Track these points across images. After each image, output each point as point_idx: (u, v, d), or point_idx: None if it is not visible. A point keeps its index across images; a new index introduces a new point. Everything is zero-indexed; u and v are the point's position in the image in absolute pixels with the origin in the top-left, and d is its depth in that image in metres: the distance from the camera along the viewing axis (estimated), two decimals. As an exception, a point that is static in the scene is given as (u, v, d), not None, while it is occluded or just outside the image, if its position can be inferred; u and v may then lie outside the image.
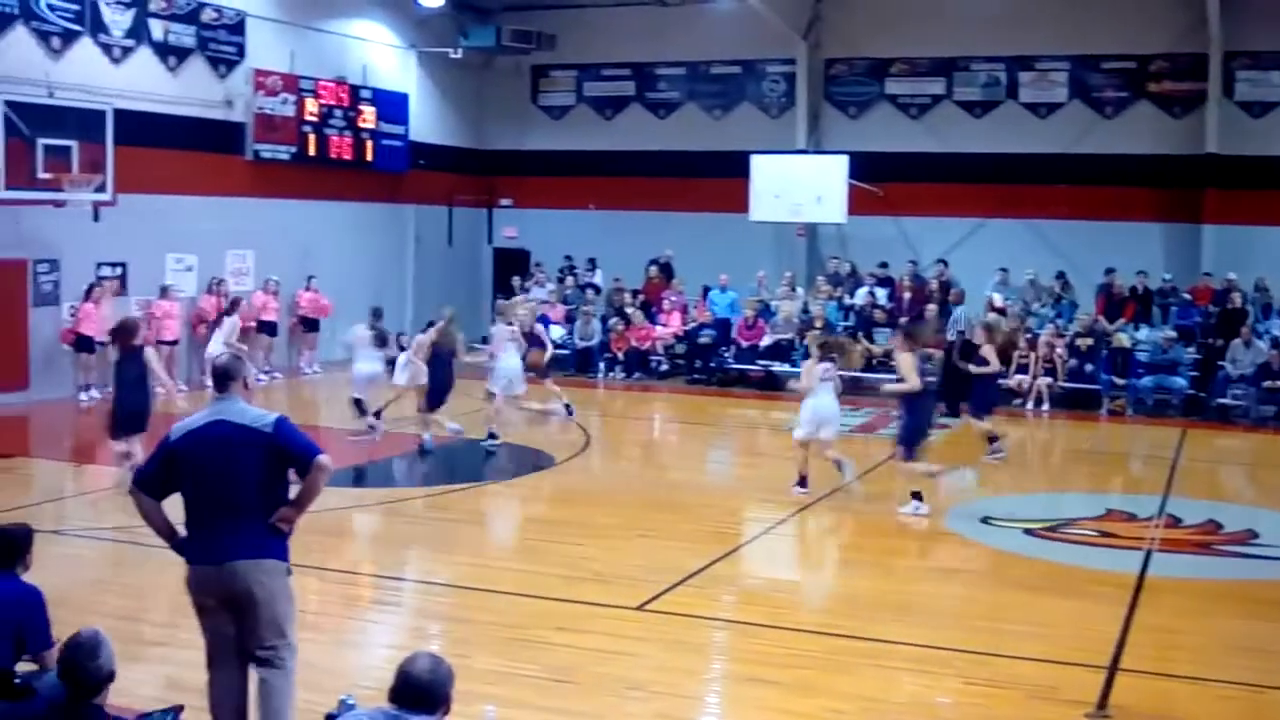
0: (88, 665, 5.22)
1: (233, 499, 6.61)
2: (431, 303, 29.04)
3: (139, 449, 13.55)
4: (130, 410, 13.81)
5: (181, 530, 6.80)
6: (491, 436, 17.29)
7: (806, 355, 16.26)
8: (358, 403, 17.95)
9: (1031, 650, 9.28)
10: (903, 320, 21.06)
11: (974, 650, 9.29)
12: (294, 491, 6.80)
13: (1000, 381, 18.38)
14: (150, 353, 14.33)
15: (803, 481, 14.64)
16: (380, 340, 18.14)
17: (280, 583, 6.70)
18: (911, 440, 13.95)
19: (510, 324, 18.12)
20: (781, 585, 11.83)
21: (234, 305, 21.77)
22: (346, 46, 26.96)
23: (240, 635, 6.68)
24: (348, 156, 26.40)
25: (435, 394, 17.18)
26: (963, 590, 11.16)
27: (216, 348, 18.91)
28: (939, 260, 25.90)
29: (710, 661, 9.47)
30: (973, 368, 16.94)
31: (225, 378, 6.88)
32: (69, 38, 20.67)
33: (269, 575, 6.64)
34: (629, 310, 25.80)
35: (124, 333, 13.96)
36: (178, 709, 6.85)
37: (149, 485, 6.77)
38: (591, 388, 23.38)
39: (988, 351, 16.84)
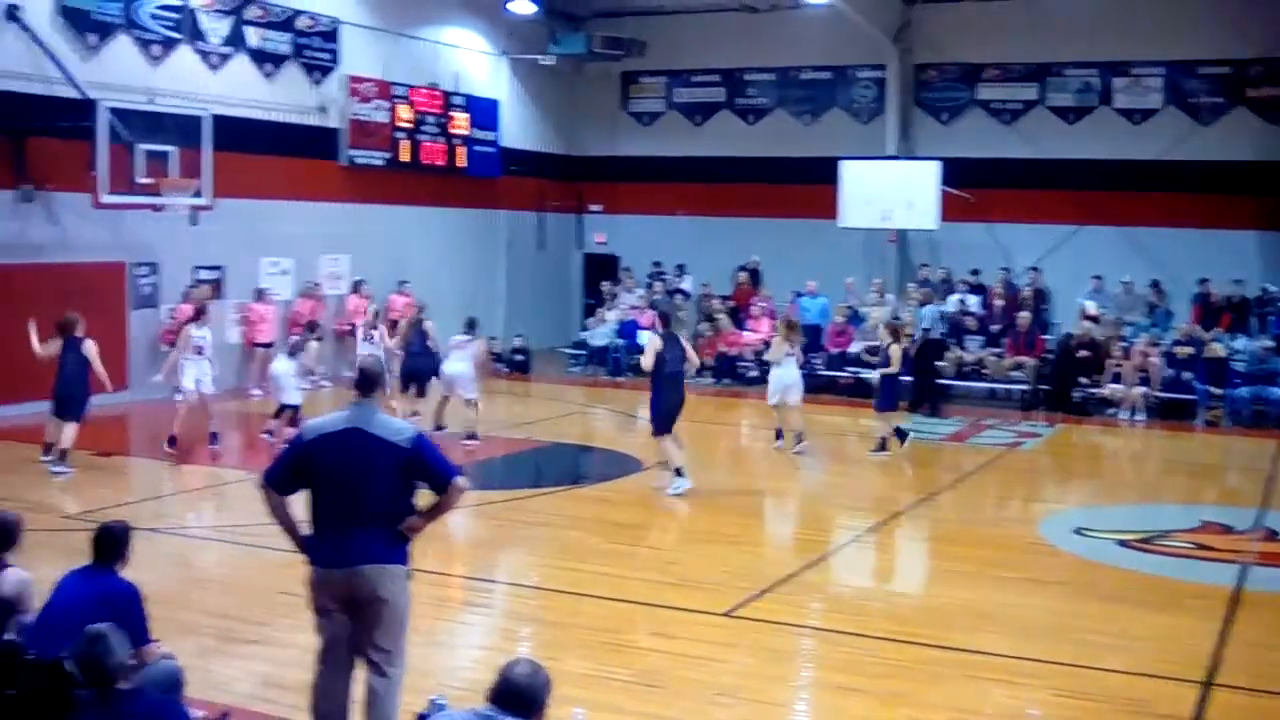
0: (105, 659, 5.30)
1: (363, 506, 6.62)
2: (521, 307, 29.38)
3: (71, 434, 14.93)
4: (65, 395, 15.12)
5: (305, 529, 6.81)
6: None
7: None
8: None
9: (1124, 663, 9.15)
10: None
11: (1065, 662, 9.20)
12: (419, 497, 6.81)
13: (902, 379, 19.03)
14: (90, 345, 15.25)
15: (779, 435, 18.14)
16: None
17: (402, 588, 6.74)
18: (660, 419, 14.93)
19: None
20: (870, 593, 11.78)
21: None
22: (439, 53, 27.24)
23: (355, 639, 6.72)
24: (440, 162, 26.67)
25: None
26: (1054, 601, 11.04)
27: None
28: (1031, 267, 25.65)
29: (798, 669, 9.45)
30: (877, 371, 18.01)
31: (368, 383, 6.87)
32: (169, 45, 21.10)
33: (393, 580, 6.68)
34: (718, 316, 25.79)
35: (66, 326, 15.28)
36: (225, 714, 6.97)
37: (278, 482, 6.77)
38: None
39: (894, 351, 17.63)
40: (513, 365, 26.18)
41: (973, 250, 26.55)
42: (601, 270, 30.11)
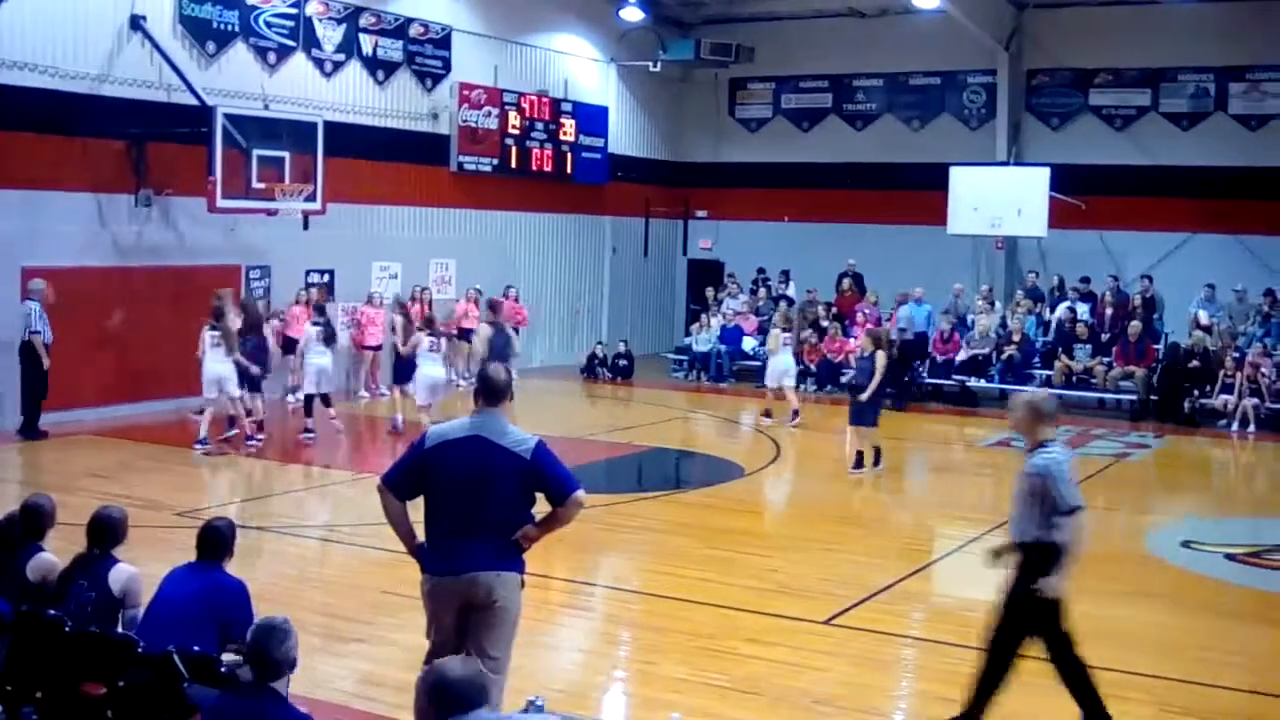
0: (274, 648, 5.40)
1: (481, 514, 6.63)
2: (626, 313, 29.52)
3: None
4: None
5: (421, 535, 6.85)
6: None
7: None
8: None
9: (1232, 680, 8.99)
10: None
11: (1172, 677, 9.07)
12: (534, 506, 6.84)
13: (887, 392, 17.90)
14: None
15: (768, 413, 20.61)
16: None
17: (516, 596, 6.77)
18: None
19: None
20: (974, 604, 11.58)
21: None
22: (548, 60, 27.46)
23: (466, 644, 6.73)
24: (548, 169, 26.88)
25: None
26: (1161, 615, 10.88)
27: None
28: (1143, 276, 25.22)
29: (899, 679, 9.41)
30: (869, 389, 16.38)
31: (494, 392, 6.85)
32: (284, 53, 21.51)
33: (508, 588, 6.71)
34: (822, 323, 25.70)
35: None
36: None
37: (397, 486, 6.79)
38: (782, 399, 23.33)
39: (880, 360, 16.42)
40: (616, 370, 26.30)
41: (1082, 258, 26.18)
42: (706, 276, 30.12)
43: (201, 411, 17.08)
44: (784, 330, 21.04)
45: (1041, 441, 7.75)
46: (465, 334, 24.06)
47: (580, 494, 6.74)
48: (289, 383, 20.57)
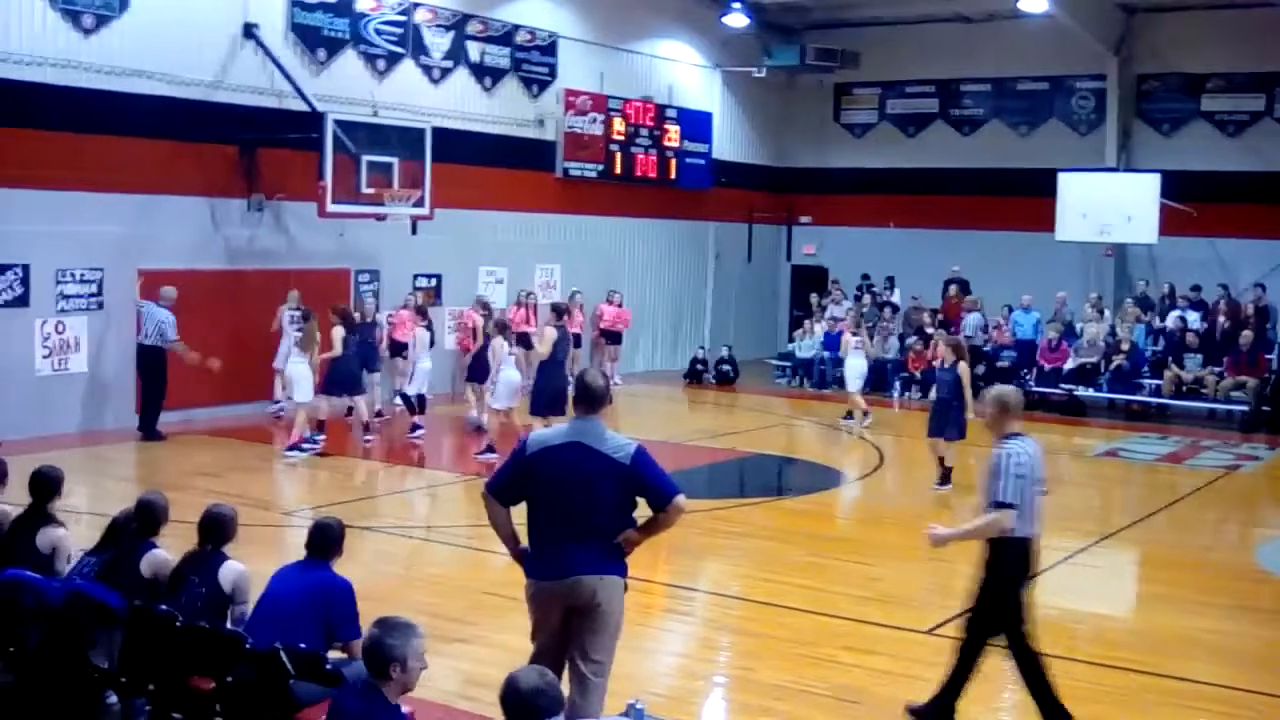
0: (385, 641, 5.46)
1: (584, 520, 6.68)
2: (729, 318, 29.51)
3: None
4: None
5: (524, 540, 6.91)
6: None
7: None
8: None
9: (1346, 698, 8.81)
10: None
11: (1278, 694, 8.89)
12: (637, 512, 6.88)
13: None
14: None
15: (849, 415, 20.88)
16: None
17: (620, 599, 6.83)
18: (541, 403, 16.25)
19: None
20: (1078, 616, 11.50)
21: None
22: (653, 66, 27.54)
23: (569, 647, 6.79)
24: (652, 174, 26.95)
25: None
26: (1270, 631, 10.65)
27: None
28: (1256, 284, 24.69)
29: (1000, 690, 9.27)
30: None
31: (592, 399, 6.86)
32: (393, 60, 21.80)
33: (612, 591, 6.76)
34: (928, 330, 25.47)
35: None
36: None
37: (501, 493, 6.88)
38: (886, 406, 23.21)
39: (964, 370, 15.73)
40: (719, 376, 26.30)
41: (1192, 265, 25.71)
42: (809, 282, 30.03)
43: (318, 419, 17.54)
44: (853, 334, 20.97)
45: (1007, 434, 7.96)
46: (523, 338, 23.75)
47: (681, 499, 6.77)
48: (395, 385, 20.83)
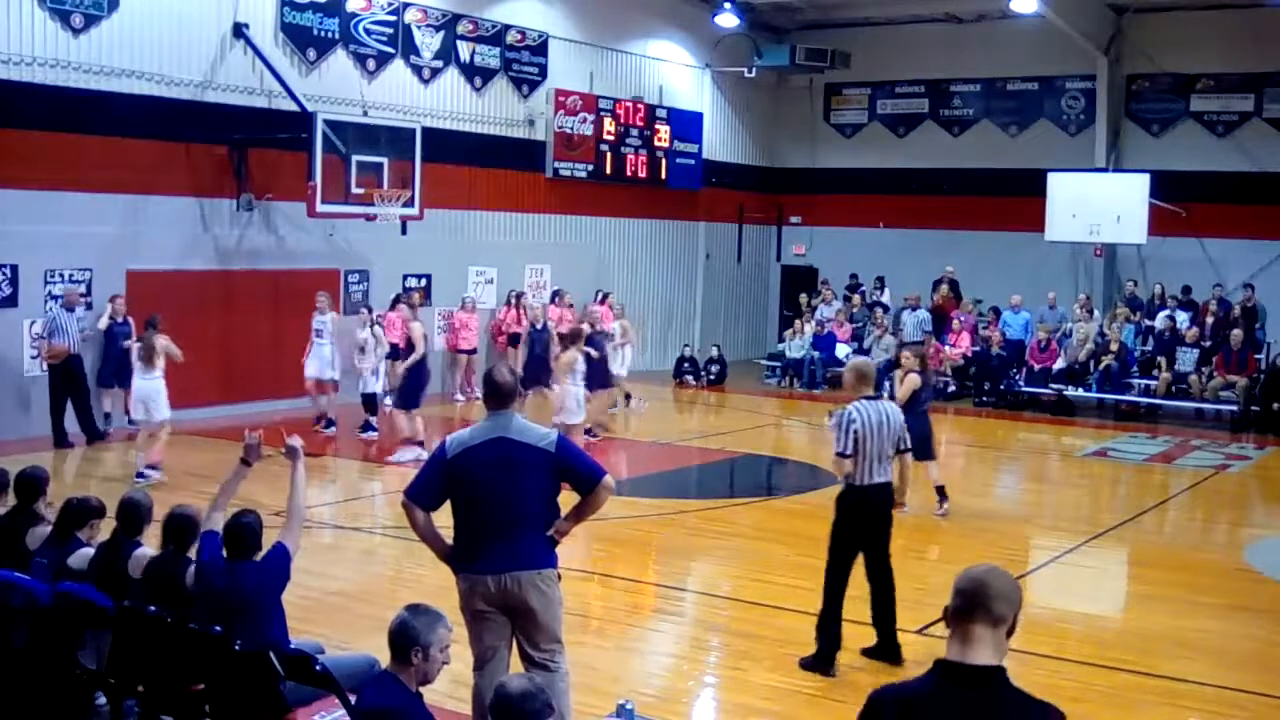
0: (411, 624, 5.37)
1: (514, 514, 6.68)
2: (719, 318, 29.52)
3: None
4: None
5: (449, 538, 6.92)
6: None
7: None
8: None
9: (1335, 698, 8.83)
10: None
11: (1271, 694, 8.90)
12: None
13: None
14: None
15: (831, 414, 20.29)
16: None
17: (555, 589, 6.82)
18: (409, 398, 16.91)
19: None
20: (1068, 616, 11.51)
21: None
22: (643, 66, 27.55)
23: (514, 641, 6.81)
24: (643, 174, 26.96)
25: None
26: (1260, 630, 10.66)
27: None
28: (1245, 284, 24.76)
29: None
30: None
31: (501, 394, 6.84)
32: (383, 59, 21.79)
33: (548, 583, 6.76)
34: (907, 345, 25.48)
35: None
36: None
37: (422, 498, 6.83)
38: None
39: (911, 381, 14.21)
40: (708, 376, 26.29)
41: (1181, 266, 25.78)
42: (799, 282, 30.06)
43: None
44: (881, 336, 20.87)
45: (861, 397, 9.24)
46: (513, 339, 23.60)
47: (609, 479, 6.79)
48: (386, 385, 20.77)
